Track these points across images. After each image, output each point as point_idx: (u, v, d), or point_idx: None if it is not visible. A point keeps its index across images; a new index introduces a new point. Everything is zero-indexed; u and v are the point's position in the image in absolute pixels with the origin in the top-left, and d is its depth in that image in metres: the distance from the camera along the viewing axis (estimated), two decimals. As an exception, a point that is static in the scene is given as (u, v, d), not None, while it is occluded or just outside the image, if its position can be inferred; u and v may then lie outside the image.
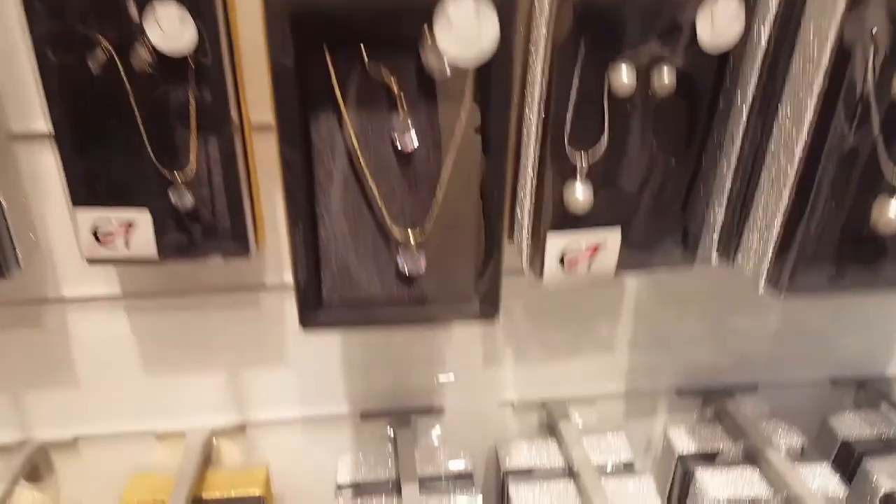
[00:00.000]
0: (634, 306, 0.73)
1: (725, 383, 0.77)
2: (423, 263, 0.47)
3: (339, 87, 0.45)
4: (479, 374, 0.74)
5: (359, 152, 0.45)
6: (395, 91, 0.45)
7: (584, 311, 0.73)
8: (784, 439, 0.71)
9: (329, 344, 0.71)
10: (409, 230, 0.47)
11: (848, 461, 0.71)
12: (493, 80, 0.45)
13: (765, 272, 0.52)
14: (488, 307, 0.50)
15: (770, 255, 0.52)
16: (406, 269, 0.47)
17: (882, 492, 0.67)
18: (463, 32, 0.42)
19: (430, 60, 0.45)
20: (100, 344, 0.69)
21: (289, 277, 0.68)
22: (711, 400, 0.76)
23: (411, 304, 0.49)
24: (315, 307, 0.50)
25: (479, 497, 0.67)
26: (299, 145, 0.45)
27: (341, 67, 0.45)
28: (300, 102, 0.45)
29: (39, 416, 0.71)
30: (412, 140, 0.44)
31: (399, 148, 0.45)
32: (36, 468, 0.72)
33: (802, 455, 0.71)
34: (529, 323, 0.73)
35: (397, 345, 0.72)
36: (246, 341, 0.70)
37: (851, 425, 0.75)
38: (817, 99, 0.48)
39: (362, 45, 0.45)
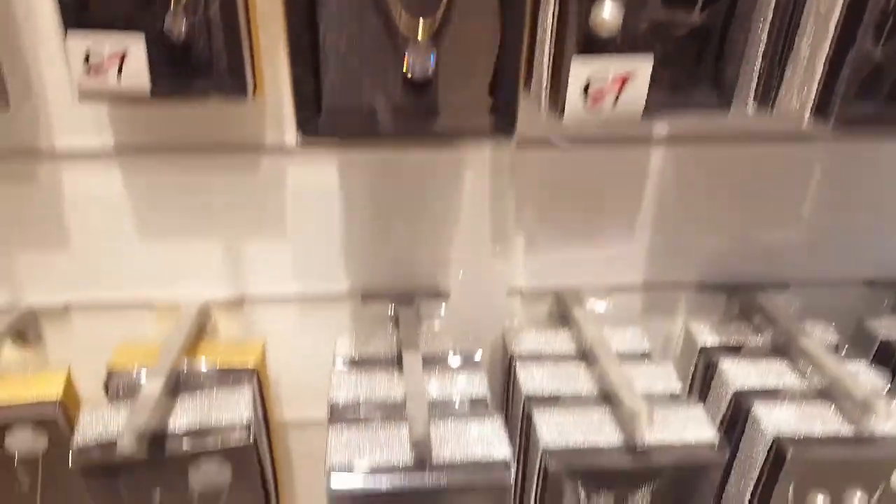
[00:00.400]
0: (657, 190, 0.68)
1: (753, 280, 0.72)
2: (431, 63, 0.43)
3: None
4: (487, 259, 0.70)
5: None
6: None
7: (603, 194, 0.68)
8: (818, 336, 0.66)
9: (330, 216, 0.67)
10: (419, 19, 0.42)
11: (888, 361, 0.66)
12: None
13: (811, 102, 0.47)
14: (503, 122, 0.45)
15: (817, 83, 0.47)
16: (413, 69, 0.43)
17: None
18: None
19: None
20: (94, 204, 0.65)
21: (290, 138, 0.65)
22: (737, 296, 0.71)
23: (419, 116, 0.45)
24: (314, 113, 0.45)
25: (484, 376, 0.63)
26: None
27: None
28: None
29: (30, 280, 0.68)
30: None
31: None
32: (24, 333, 0.69)
33: (837, 353, 0.66)
34: (543, 206, 0.68)
35: (403, 222, 0.68)
36: (245, 208, 0.66)
37: (891, 326, 0.69)
38: None
39: None
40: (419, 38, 0.42)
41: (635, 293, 0.73)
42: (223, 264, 0.69)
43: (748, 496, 0.57)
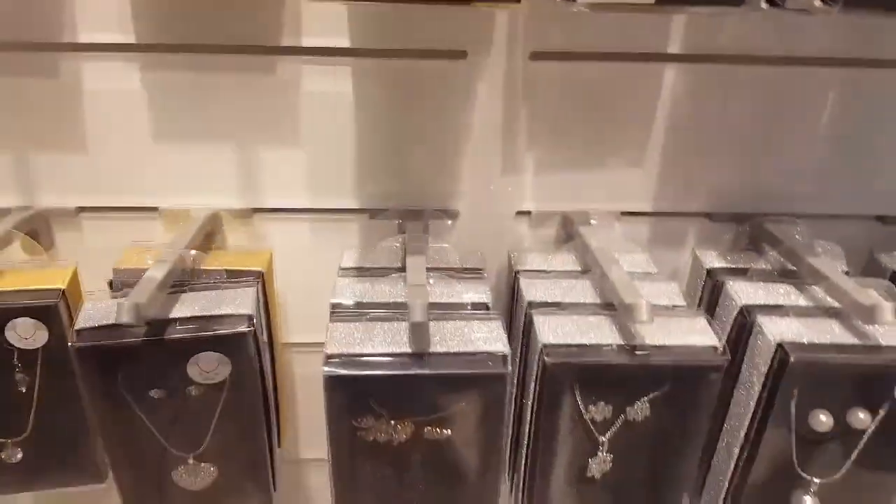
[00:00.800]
0: (669, 116, 0.68)
1: (763, 211, 0.71)
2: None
3: None
4: (496, 181, 0.70)
5: None
6: None
7: (615, 116, 0.68)
8: (827, 258, 0.65)
9: (342, 127, 0.67)
10: None
11: (899, 292, 0.64)
12: None
13: (823, -11, 0.47)
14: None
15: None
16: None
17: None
18: None
19: None
20: (111, 105, 0.66)
21: (307, 41, 0.65)
22: (746, 226, 0.70)
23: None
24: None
25: (488, 287, 0.62)
26: None
27: None
28: None
29: (44, 182, 0.69)
30: None
31: None
32: (35, 234, 0.69)
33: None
34: (553, 128, 0.68)
35: (414, 138, 0.68)
36: (259, 112, 0.66)
37: (903, 260, 0.68)
38: None
39: None
40: None
41: (644, 221, 0.72)
42: (235, 173, 0.69)
43: (751, 411, 0.56)
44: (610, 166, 0.70)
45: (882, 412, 0.54)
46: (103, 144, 0.68)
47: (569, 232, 0.71)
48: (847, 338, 0.55)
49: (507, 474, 0.65)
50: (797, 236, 0.67)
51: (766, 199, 0.72)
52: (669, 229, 0.73)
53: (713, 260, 0.67)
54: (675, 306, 0.59)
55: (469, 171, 0.70)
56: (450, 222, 0.70)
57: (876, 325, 0.54)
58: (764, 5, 0.52)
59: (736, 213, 0.72)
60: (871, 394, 0.54)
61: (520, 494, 0.60)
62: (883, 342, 0.54)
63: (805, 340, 0.54)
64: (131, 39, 0.63)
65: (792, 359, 0.52)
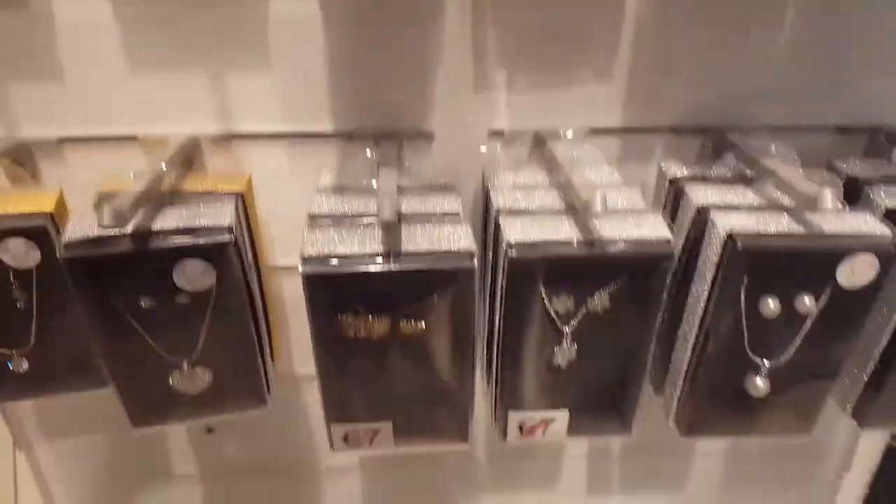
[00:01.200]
0: (635, 31, 0.70)
1: (727, 125, 0.73)
2: None
3: None
4: (468, 101, 0.72)
5: None
6: None
7: (582, 35, 0.70)
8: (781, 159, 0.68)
9: (313, 51, 0.69)
10: None
11: (852, 193, 0.67)
12: None
13: None
14: None
15: None
16: None
17: (884, 208, 0.63)
18: None
19: None
20: (85, 34, 0.67)
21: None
22: (710, 139, 0.73)
23: None
24: None
25: (458, 200, 0.65)
26: None
27: None
28: None
29: (25, 113, 0.71)
30: None
31: None
32: (20, 164, 0.71)
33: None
34: (522, 48, 0.70)
35: (385, 60, 0.70)
36: (231, 39, 0.68)
37: (857, 167, 0.70)
38: None
39: None
40: None
41: (613, 137, 0.74)
42: (211, 100, 0.71)
43: (704, 300, 0.60)
44: (579, 84, 0.72)
45: (825, 296, 0.57)
46: (81, 76, 0.69)
47: (540, 149, 0.73)
48: (793, 227, 0.58)
49: (483, 369, 0.69)
50: (758, 145, 0.70)
51: (729, 112, 0.74)
52: (637, 144, 0.75)
53: (676, 170, 0.70)
54: (634, 208, 0.62)
55: (441, 92, 0.72)
56: (424, 143, 0.72)
57: (820, 214, 0.57)
58: None
59: (700, 127, 0.74)
60: (815, 279, 0.57)
61: (494, 386, 0.63)
62: (826, 229, 0.57)
63: (753, 230, 0.57)
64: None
65: (739, 246, 0.56)
